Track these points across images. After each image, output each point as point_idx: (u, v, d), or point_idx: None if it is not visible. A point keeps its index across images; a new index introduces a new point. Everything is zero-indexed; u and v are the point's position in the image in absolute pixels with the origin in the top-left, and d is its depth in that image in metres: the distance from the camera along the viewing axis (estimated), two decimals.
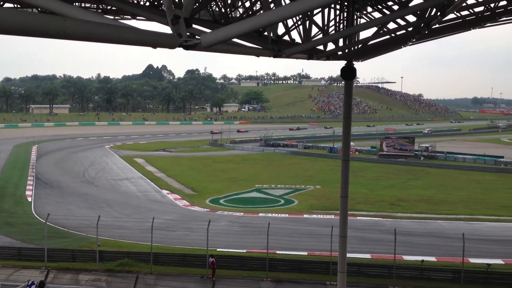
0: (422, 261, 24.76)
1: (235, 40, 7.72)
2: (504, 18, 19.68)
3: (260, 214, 37.02)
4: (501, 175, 58.51)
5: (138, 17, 15.90)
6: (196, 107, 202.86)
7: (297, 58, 13.15)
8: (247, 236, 29.91)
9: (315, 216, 36.75)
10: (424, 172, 60.72)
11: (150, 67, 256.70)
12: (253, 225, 31.41)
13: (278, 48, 10.02)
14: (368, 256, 26.88)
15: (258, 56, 10.33)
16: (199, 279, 24.04)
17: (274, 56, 10.39)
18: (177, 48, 5.27)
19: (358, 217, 35.73)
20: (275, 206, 40.27)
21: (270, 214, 36.71)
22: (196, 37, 4.99)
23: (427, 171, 62.04)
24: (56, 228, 31.93)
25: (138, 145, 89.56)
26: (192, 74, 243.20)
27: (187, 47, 5.08)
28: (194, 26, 7.02)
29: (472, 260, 25.11)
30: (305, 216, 36.81)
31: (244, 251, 27.34)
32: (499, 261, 25.94)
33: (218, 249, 26.80)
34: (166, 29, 5.18)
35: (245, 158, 73.71)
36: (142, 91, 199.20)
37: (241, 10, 11.88)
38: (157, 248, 26.15)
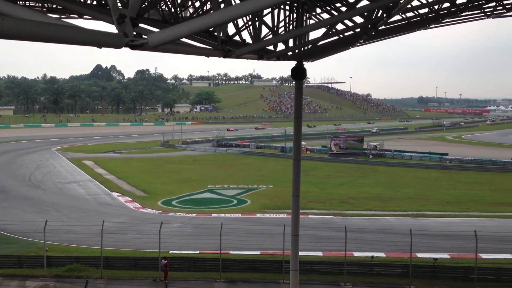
0: (372, 257, 25.34)
1: (184, 40, 7.64)
2: (447, 20, 20.39)
3: (213, 215, 36.91)
4: (445, 172, 60.58)
5: (85, 17, 15.53)
6: (147, 107, 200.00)
7: (247, 58, 13.19)
8: (200, 237, 29.78)
9: (267, 215, 36.95)
10: (373, 170, 62.12)
11: (98, 67, 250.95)
12: (206, 226, 31.29)
13: (228, 48, 10.02)
14: (320, 253, 27.27)
15: (208, 56, 10.28)
16: (152, 282, 23.72)
17: (224, 57, 10.37)
18: (126, 48, 5.17)
19: (309, 216, 36.16)
20: (228, 207, 40.21)
21: (223, 215, 36.65)
22: (143, 36, 4.91)
23: (376, 169, 63.50)
24: (1, 234, 30.78)
25: (86, 147, 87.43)
26: (142, 74, 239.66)
27: (133, 47, 4.99)
28: (143, 26, 6.91)
29: (420, 255, 25.89)
30: (258, 215, 36.95)
31: (197, 252, 27.17)
32: (445, 255, 26.82)
33: (170, 251, 26.54)
34: (114, 29, 5.06)
35: (197, 158, 73.28)
36: (90, 91, 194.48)
37: (191, 10, 11.81)
38: (107, 252, 25.64)
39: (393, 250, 27.23)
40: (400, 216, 36.80)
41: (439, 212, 38.24)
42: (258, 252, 27.17)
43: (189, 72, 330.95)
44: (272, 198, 42.99)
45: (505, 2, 20.62)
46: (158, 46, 4.87)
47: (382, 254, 26.90)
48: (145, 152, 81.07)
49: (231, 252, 26.47)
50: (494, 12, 22.38)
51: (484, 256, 25.60)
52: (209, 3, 10.41)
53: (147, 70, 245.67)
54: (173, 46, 7.29)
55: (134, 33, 4.88)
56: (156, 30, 7.72)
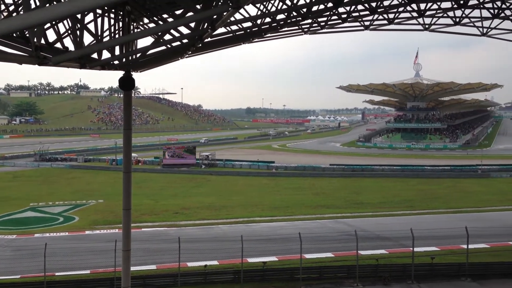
0: (205, 266, 25.64)
1: None
2: (270, 35, 21.71)
3: (36, 235, 34.10)
4: (272, 179, 64.00)
5: None
6: None
7: (68, 67, 12.46)
8: (21, 260, 27.29)
9: (98, 231, 35.30)
10: (205, 180, 63.13)
11: None
12: (28, 248, 28.81)
13: (43, 55, 9.34)
14: (153, 267, 26.79)
15: (21, 64, 9.48)
16: None
17: (39, 64, 9.66)
18: None
19: (143, 229, 35.42)
20: (53, 225, 37.51)
21: (48, 234, 34.09)
22: None
23: (208, 178, 64.65)
24: None
25: None
26: None
27: None
28: None
29: (251, 260, 26.83)
30: (87, 232, 35.10)
31: (18, 277, 24.83)
32: (273, 258, 28.16)
33: None
34: None
35: (17, 175, 67.30)
36: None
37: (5, 14, 10.84)
38: None
39: (226, 257, 27.85)
40: (232, 224, 37.86)
41: (267, 217, 40.14)
42: (88, 271, 25.75)
43: (7, 82, 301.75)
44: (102, 213, 41.23)
45: (319, 20, 22.62)
46: None
47: (215, 262, 27.35)
48: None
49: (57, 274, 24.72)
50: (311, 29, 24.42)
51: (308, 256, 27.41)
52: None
53: None
54: None
55: None
56: None
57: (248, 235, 29.37)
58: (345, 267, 25.84)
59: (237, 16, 14.28)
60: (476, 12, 27.77)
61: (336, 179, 63.54)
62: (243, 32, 16.38)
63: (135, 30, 16.58)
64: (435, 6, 25.49)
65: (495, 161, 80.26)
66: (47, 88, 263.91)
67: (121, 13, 14.38)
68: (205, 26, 11.54)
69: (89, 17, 12.46)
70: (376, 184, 59.33)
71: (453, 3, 24.96)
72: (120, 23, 14.73)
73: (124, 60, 14.96)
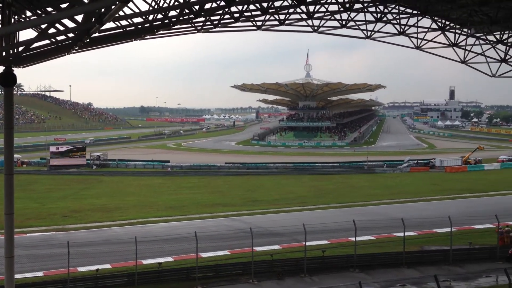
0: (97, 270, 24.68)
1: None
2: (162, 32, 21.37)
3: None
4: (168, 178, 63.26)
5: None
6: None
7: None
8: None
9: None
10: (97, 181, 60.91)
11: None
12: None
13: None
14: (40, 273, 25.30)
15: None
16: None
17: None
18: None
19: (28, 234, 33.34)
20: None
21: None
22: None
23: (100, 179, 62.44)
24: None
25: None
26: None
27: None
28: None
29: (146, 261, 26.24)
30: None
31: None
32: (169, 259, 27.73)
33: None
34: None
35: None
36: None
37: None
38: None
39: (119, 260, 26.98)
40: (125, 225, 36.79)
41: (163, 217, 39.52)
42: None
43: None
44: None
45: (212, 18, 22.67)
46: None
47: (108, 266, 26.39)
48: None
49: None
50: (204, 27, 24.40)
51: (204, 255, 27.30)
52: None
53: None
54: None
55: None
56: None
57: (143, 236, 28.72)
58: (241, 264, 26.10)
59: (128, 11, 13.90)
60: (361, 16, 29.43)
61: (232, 177, 64.22)
62: (133, 28, 15.96)
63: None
64: (323, 9, 26.59)
65: (380, 157, 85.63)
66: None
67: (0, 5, 13.42)
68: (92, 20, 11.08)
69: None
70: (270, 181, 60.75)
71: (340, 6, 26.23)
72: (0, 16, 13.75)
73: (4, 54, 13.97)
